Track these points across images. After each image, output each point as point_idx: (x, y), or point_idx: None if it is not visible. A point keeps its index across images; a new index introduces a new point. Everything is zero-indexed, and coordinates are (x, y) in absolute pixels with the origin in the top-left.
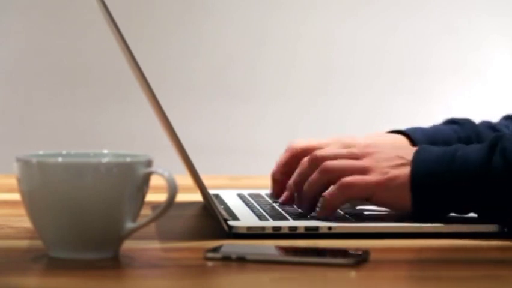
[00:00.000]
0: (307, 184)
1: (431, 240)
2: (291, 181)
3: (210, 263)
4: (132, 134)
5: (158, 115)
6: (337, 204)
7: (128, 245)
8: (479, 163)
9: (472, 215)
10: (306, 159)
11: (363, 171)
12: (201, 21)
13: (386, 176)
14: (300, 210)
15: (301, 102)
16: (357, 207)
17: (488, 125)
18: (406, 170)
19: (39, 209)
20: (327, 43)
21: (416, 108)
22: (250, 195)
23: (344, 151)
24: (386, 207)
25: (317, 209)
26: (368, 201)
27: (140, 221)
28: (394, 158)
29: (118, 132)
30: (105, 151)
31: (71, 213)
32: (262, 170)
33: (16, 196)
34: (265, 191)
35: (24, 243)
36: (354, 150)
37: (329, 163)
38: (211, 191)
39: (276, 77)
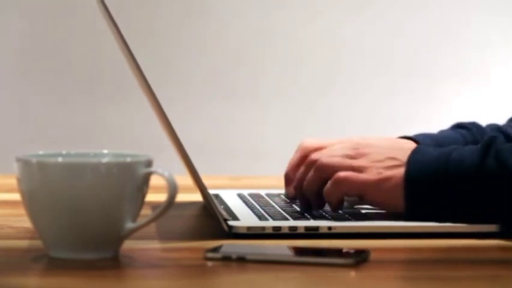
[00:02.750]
0: (305, 183)
1: (431, 240)
2: (292, 187)
3: (210, 263)
4: (132, 134)
5: (158, 115)
6: (334, 199)
7: (128, 245)
8: (474, 165)
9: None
10: (303, 164)
11: (358, 170)
12: (204, 21)
13: (379, 176)
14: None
15: (304, 103)
16: (355, 207)
17: (495, 128)
18: (400, 171)
19: (39, 209)
20: (330, 44)
21: (418, 108)
22: (250, 195)
23: (338, 152)
24: (378, 206)
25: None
26: (361, 199)
27: (140, 221)
28: (388, 160)
29: (118, 132)
30: (105, 151)
31: (71, 213)
32: (263, 170)
33: (16, 196)
34: (266, 191)
35: (24, 243)
36: (349, 152)
37: (324, 159)
38: (211, 191)
39: (279, 78)
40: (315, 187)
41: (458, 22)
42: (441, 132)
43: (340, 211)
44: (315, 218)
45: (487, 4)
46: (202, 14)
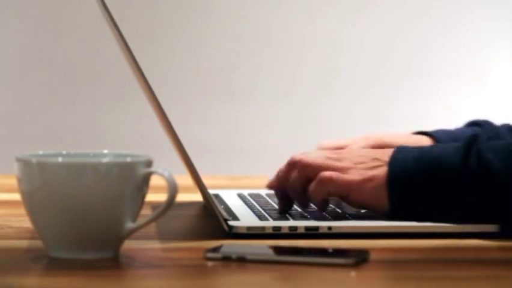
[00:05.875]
0: (289, 183)
1: (431, 240)
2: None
3: (210, 263)
4: (132, 134)
5: (159, 115)
6: (318, 198)
7: (128, 245)
8: (455, 164)
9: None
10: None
11: (341, 171)
12: (205, 21)
13: (362, 177)
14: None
15: (304, 103)
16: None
17: (508, 127)
18: (382, 171)
19: (39, 209)
20: (331, 44)
21: (419, 108)
22: (250, 195)
23: (320, 154)
24: (361, 207)
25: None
26: (344, 200)
27: (140, 221)
28: (370, 160)
29: (118, 132)
30: (105, 151)
31: (71, 213)
32: (263, 170)
33: (16, 196)
34: (266, 191)
35: (24, 243)
36: (330, 155)
37: (307, 159)
38: (211, 191)
39: (279, 78)
40: (298, 187)
41: (458, 22)
42: (456, 128)
43: (324, 212)
44: (315, 218)
45: (487, 4)
46: (202, 14)
